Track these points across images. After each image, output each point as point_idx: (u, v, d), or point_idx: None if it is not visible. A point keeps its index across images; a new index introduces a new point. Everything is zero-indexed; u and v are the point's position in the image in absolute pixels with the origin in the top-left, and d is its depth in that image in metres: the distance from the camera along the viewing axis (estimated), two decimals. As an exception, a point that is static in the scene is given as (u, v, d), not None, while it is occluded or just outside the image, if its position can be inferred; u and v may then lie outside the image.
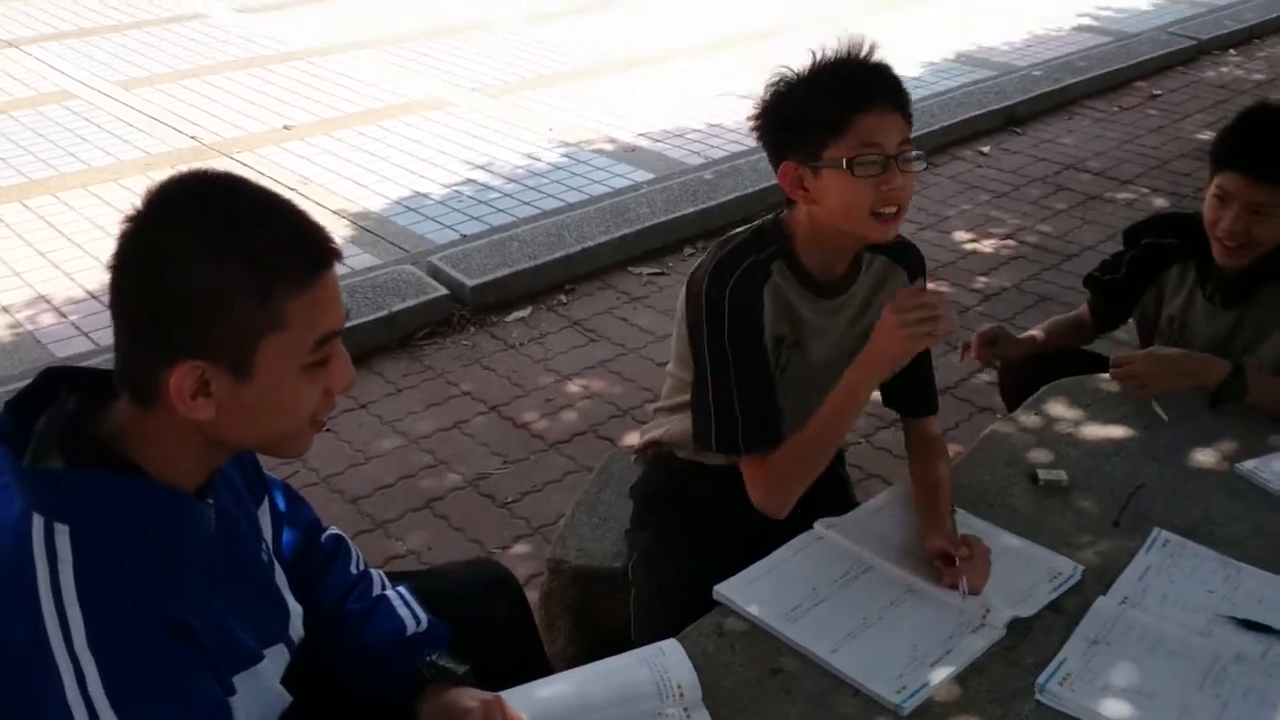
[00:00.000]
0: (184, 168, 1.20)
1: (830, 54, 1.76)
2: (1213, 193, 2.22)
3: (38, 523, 1.11)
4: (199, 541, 1.22)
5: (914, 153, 1.74)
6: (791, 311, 1.88)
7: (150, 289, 1.12)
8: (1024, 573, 1.72)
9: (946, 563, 1.70)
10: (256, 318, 1.13)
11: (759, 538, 1.86)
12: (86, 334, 3.99)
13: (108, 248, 1.15)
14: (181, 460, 1.20)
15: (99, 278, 4.30)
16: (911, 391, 2.04)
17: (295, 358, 1.17)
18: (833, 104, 1.72)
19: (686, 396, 1.96)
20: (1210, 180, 2.24)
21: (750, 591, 1.69)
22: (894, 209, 1.74)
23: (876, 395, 2.10)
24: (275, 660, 1.33)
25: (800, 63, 1.78)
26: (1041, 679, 1.52)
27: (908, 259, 1.97)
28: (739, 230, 1.93)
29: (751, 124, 1.83)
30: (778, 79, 1.79)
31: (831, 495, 2.03)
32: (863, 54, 1.75)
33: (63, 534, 1.11)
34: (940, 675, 1.53)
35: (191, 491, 1.22)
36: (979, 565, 1.70)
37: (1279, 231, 2.18)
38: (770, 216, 1.92)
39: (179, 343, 1.12)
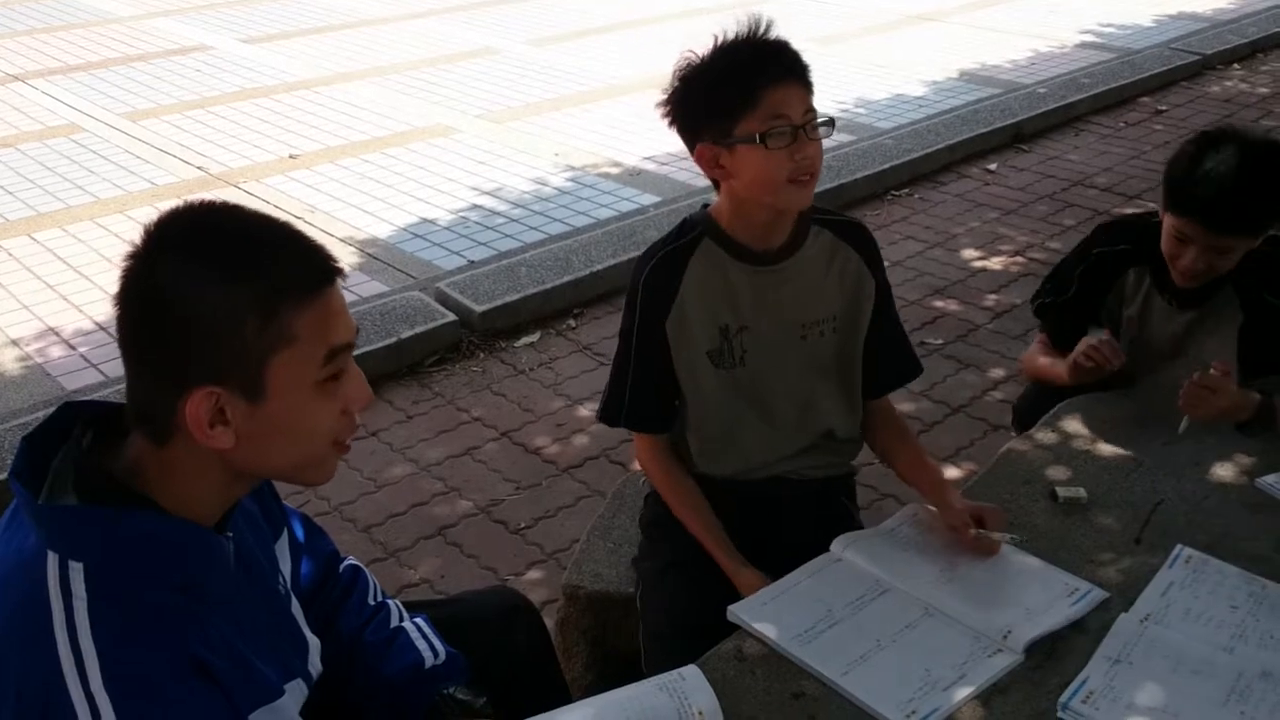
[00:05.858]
0: (187, 199, 1.20)
1: (731, 35, 1.81)
2: (1171, 232, 2.15)
3: (52, 560, 1.10)
4: (219, 576, 1.21)
5: (819, 120, 1.78)
6: (730, 292, 1.91)
7: (156, 322, 1.12)
8: (1043, 595, 1.70)
9: (976, 523, 1.80)
10: (264, 336, 1.13)
11: (764, 559, 1.85)
12: (96, 366, 3.99)
13: (116, 279, 1.15)
14: (201, 494, 1.19)
15: (108, 310, 4.24)
16: (890, 352, 2.06)
17: (307, 374, 1.16)
18: (741, 81, 1.76)
19: (682, 405, 2.00)
20: (1164, 211, 2.17)
21: (764, 612, 1.68)
22: (807, 175, 1.79)
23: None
24: (294, 695, 1.31)
25: (704, 46, 1.83)
26: (1064, 697, 1.50)
27: (855, 237, 1.99)
28: None
29: (662, 112, 1.87)
30: (684, 64, 1.84)
31: (838, 528, 2.01)
32: (761, 31, 1.80)
33: (77, 571, 1.10)
34: (953, 699, 1.51)
35: (211, 526, 1.21)
36: (993, 516, 1.82)
37: (1237, 260, 2.15)
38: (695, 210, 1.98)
39: (190, 372, 1.12)
